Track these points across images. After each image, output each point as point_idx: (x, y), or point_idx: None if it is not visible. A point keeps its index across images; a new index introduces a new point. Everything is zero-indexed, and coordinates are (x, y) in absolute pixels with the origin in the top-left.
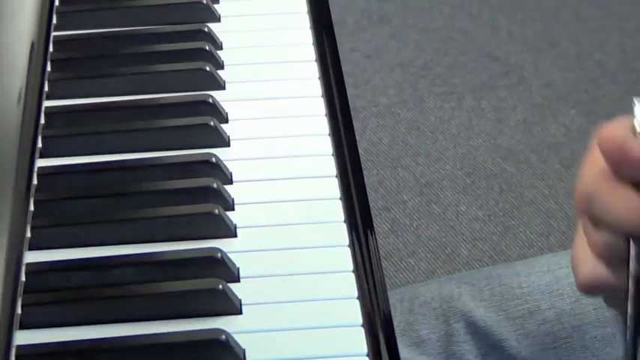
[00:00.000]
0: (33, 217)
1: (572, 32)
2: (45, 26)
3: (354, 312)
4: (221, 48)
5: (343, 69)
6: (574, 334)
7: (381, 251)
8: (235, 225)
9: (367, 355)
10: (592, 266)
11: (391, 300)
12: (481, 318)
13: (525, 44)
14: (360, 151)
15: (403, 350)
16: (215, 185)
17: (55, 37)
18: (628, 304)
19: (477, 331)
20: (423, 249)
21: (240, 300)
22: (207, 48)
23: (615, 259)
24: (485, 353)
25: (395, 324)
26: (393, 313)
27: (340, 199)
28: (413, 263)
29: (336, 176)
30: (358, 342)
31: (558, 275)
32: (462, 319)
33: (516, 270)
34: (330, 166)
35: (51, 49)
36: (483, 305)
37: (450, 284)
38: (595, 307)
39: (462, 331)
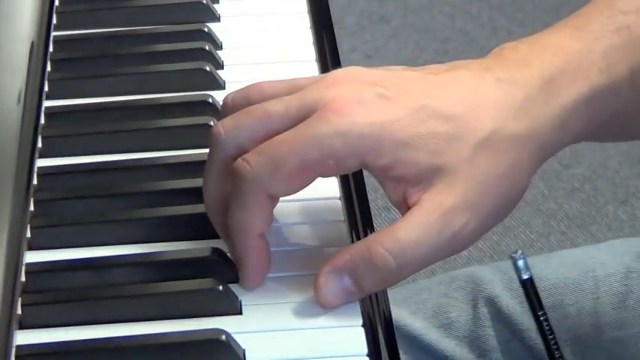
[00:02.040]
0: (33, 217)
1: None
2: (45, 26)
3: (354, 313)
4: (221, 48)
5: None
6: (592, 332)
7: None
8: None
9: (367, 355)
10: None
11: (428, 284)
12: (506, 306)
13: None
14: None
15: (431, 331)
16: None
17: (55, 37)
18: None
19: (502, 318)
20: None
21: (240, 300)
22: (207, 48)
23: None
24: (508, 340)
25: (428, 305)
26: (427, 297)
27: (340, 199)
28: None
29: (336, 176)
30: (358, 342)
31: (585, 269)
32: (489, 304)
33: (550, 262)
34: None
35: (51, 49)
36: (510, 295)
37: (486, 270)
38: (614, 307)
39: (488, 316)
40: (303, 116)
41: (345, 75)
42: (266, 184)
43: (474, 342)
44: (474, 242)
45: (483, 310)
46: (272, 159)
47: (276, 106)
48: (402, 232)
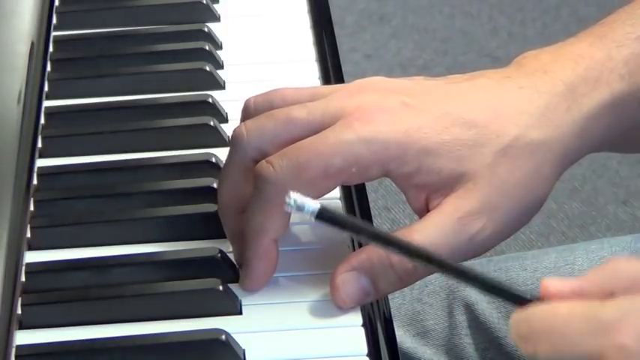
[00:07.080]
0: (33, 217)
1: (572, 32)
2: (45, 26)
3: (354, 312)
4: (221, 48)
5: (343, 69)
6: None
7: None
8: None
9: (367, 355)
10: None
11: None
12: (482, 313)
13: (525, 44)
14: None
15: (407, 340)
16: (215, 185)
17: (55, 37)
18: None
19: (478, 326)
20: None
21: (240, 300)
22: (207, 48)
23: None
24: (485, 348)
25: (402, 312)
26: (400, 302)
27: (340, 199)
28: None
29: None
30: (358, 342)
31: (562, 273)
32: (465, 311)
33: (525, 263)
34: None
35: (51, 49)
36: (486, 300)
37: None
38: None
39: (464, 324)
40: (325, 123)
41: (369, 84)
42: (289, 188)
43: (451, 350)
44: (492, 247)
45: (460, 319)
46: (296, 164)
47: (299, 112)
48: (418, 234)
